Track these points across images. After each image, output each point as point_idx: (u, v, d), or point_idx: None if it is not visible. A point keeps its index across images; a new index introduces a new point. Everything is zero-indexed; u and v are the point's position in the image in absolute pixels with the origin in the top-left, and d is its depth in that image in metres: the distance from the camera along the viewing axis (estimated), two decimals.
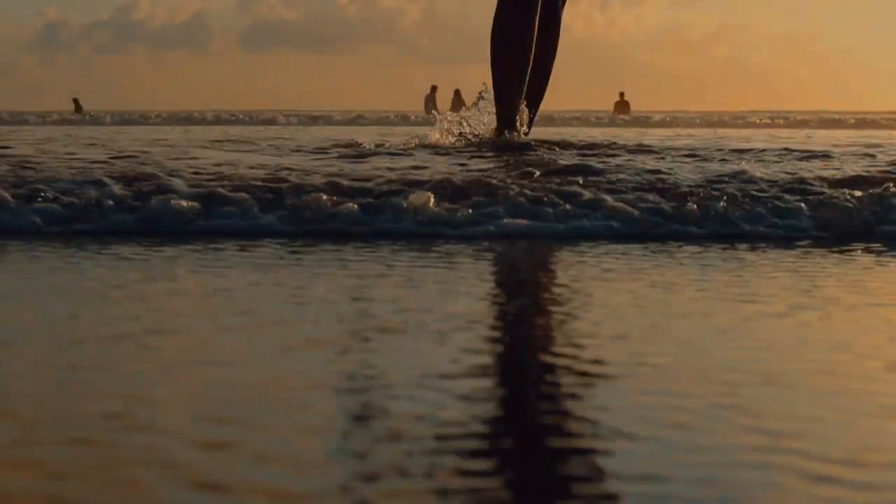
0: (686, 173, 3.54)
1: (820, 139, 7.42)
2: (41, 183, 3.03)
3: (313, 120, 20.16)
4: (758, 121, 21.38)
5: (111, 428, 1.11)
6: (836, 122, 20.06)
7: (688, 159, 4.41)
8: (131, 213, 2.85)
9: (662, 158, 4.48)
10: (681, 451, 1.05)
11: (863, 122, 18.57)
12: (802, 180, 3.25)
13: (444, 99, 32.75)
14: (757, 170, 3.49)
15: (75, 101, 36.18)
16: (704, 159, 4.44)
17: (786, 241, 2.77)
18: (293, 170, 3.60)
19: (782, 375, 1.37)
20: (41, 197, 2.88)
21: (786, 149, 5.08)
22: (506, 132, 5.50)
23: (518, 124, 5.51)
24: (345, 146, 5.34)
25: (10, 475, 0.97)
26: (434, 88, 33.11)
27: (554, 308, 1.88)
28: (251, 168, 3.71)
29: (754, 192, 3.03)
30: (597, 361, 1.44)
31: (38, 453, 1.03)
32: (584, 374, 1.38)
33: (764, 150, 4.99)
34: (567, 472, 1.00)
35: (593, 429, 1.14)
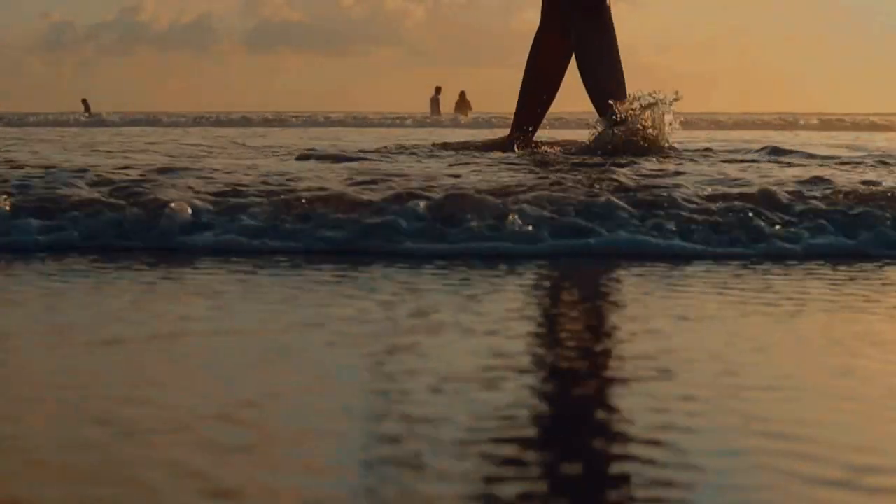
0: None
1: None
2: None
3: (345, 121, 19.92)
4: (759, 121, 21.32)
5: (122, 432, 1.11)
6: (835, 123, 19.95)
7: None
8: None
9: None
10: (693, 455, 1.05)
11: (873, 126, 18.44)
12: None
13: (448, 101, 32.74)
14: None
15: (84, 102, 36.24)
16: None
17: None
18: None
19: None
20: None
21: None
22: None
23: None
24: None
25: (23, 480, 0.97)
26: (438, 90, 33.10)
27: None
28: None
29: None
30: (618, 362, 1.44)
31: (51, 458, 1.03)
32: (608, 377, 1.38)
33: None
34: (575, 475, 1.00)
35: (608, 433, 1.14)
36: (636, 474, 0.99)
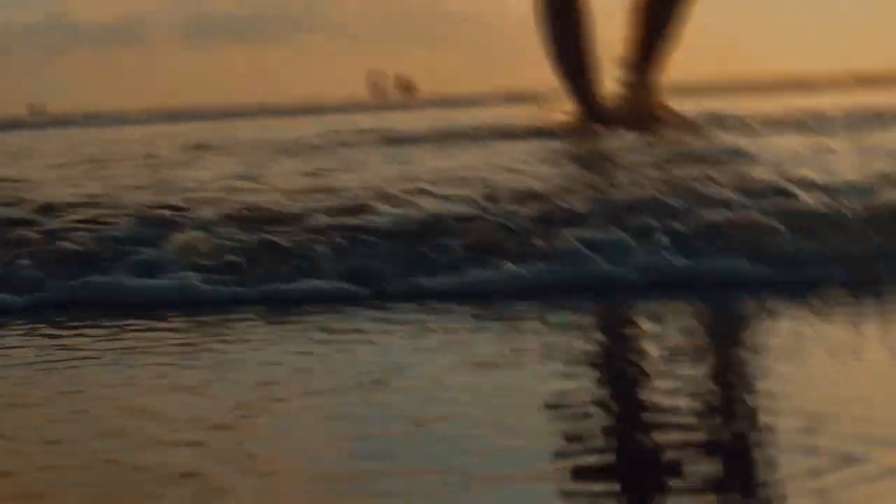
0: None
1: None
2: None
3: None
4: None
5: (129, 445, 1.11)
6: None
7: None
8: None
9: None
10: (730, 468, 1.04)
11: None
12: None
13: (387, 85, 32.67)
14: None
15: (31, 105, 35.88)
16: None
17: None
18: None
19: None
20: None
21: None
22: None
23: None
24: None
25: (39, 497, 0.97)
26: (378, 73, 33.04)
27: None
28: None
29: None
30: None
31: (65, 472, 1.04)
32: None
33: None
34: (603, 483, 0.99)
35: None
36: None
